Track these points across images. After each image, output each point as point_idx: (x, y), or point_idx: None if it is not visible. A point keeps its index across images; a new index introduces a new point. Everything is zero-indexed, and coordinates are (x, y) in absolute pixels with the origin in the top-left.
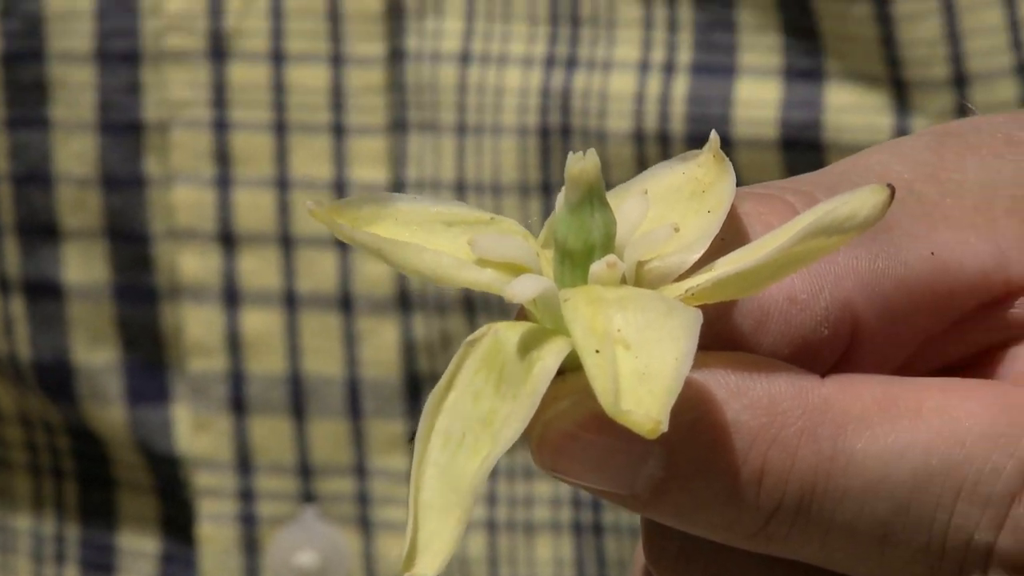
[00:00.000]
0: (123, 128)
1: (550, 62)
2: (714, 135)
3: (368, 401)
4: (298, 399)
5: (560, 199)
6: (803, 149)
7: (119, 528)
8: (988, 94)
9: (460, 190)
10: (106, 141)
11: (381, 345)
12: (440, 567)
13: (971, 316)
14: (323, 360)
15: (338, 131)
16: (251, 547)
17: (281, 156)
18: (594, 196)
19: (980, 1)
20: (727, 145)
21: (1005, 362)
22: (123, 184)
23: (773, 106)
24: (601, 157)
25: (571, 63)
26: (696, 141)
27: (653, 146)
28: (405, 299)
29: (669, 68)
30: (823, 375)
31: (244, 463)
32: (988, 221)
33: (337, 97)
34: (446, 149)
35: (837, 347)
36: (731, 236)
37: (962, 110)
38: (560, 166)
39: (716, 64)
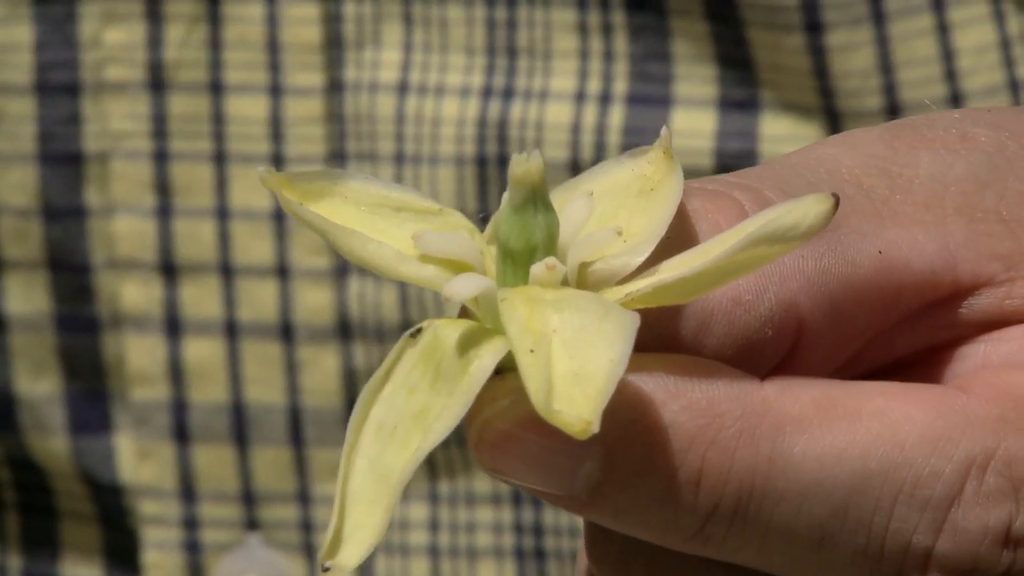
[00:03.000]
0: (63, 159)
1: (487, 92)
2: (665, 131)
3: (310, 429)
4: (241, 427)
5: (505, 198)
6: None
7: (63, 558)
8: None
9: None
10: (46, 172)
11: (322, 374)
12: (363, 557)
13: (918, 314)
14: (265, 389)
15: (277, 161)
16: (196, 574)
17: (221, 186)
18: (537, 197)
19: (913, 32)
20: None
21: (952, 362)
22: (64, 215)
23: (708, 136)
24: None
25: (508, 93)
26: None
27: None
28: (345, 328)
29: (605, 98)
30: (767, 374)
31: (188, 491)
32: (937, 219)
33: (276, 127)
34: (384, 178)
35: (781, 347)
36: (677, 235)
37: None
38: (497, 196)
39: (651, 94)
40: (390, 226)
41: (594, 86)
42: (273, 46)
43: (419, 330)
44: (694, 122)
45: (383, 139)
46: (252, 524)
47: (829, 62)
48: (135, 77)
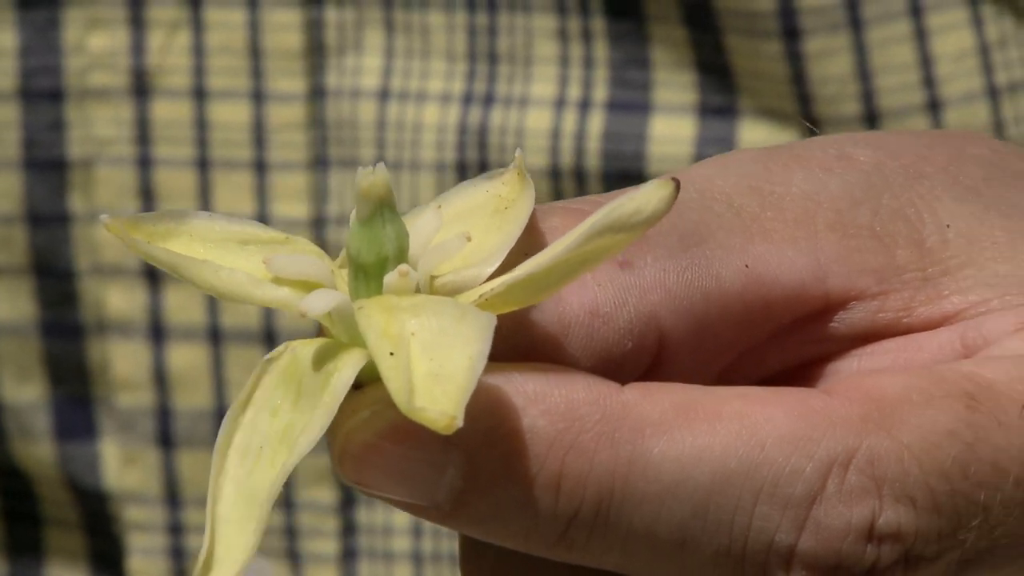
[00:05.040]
0: (48, 165)
1: (468, 99)
2: (519, 154)
3: None
4: None
5: (352, 214)
6: None
7: (48, 564)
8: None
9: None
10: (31, 178)
11: None
12: None
13: (791, 329)
14: None
15: (260, 167)
16: None
17: (204, 192)
18: (384, 209)
19: (891, 38)
20: (642, 180)
21: (826, 377)
22: (48, 221)
23: (687, 142)
24: None
25: (488, 100)
26: (611, 177)
27: (569, 182)
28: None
29: (585, 105)
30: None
31: (173, 497)
32: (808, 234)
33: (259, 133)
34: None
35: (642, 359)
36: (533, 251)
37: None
38: None
39: (631, 101)
40: (238, 258)
41: (574, 92)
42: (255, 52)
43: (278, 353)
44: (673, 128)
45: (364, 145)
46: None
47: (807, 68)
48: (119, 83)
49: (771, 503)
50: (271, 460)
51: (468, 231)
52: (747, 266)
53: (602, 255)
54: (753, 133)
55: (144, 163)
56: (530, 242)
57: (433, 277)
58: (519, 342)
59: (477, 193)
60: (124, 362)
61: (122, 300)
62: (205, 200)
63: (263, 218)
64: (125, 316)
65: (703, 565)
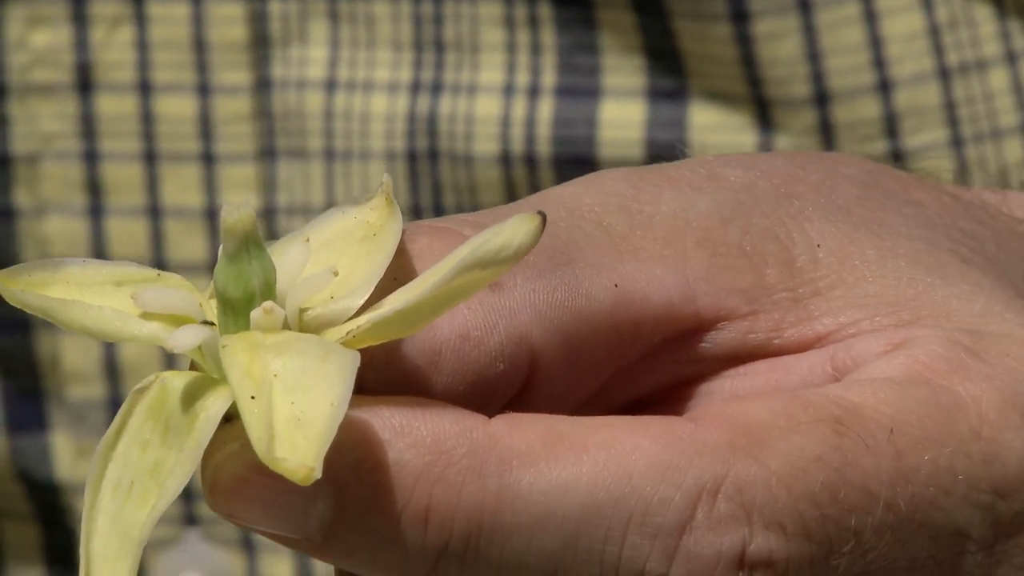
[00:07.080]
0: None
1: (416, 87)
2: (386, 178)
3: None
4: None
5: (220, 250)
6: None
7: (2, 557)
8: (850, 112)
9: None
10: None
11: None
12: None
13: (661, 349)
14: None
15: (208, 159)
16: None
17: (152, 185)
18: (251, 244)
19: (841, 20)
20: (593, 165)
21: (698, 397)
22: None
23: (638, 126)
24: (469, 180)
25: (436, 88)
26: (562, 163)
27: (520, 168)
28: None
29: (534, 91)
30: (503, 408)
31: None
32: (677, 253)
33: (205, 126)
34: (315, 175)
35: (515, 381)
36: (403, 275)
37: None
38: (429, 190)
39: (580, 86)
40: (114, 300)
41: (523, 79)
42: (200, 45)
43: (147, 383)
44: (623, 113)
45: (312, 136)
46: (191, 520)
47: (756, 51)
48: (62, 79)
49: (641, 533)
50: (142, 497)
51: (336, 263)
52: (616, 285)
53: (471, 289)
54: (703, 116)
55: (90, 157)
56: (399, 266)
57: (303, 310)
58: (392, 372)
59: (345, 220)
60: (75, 355)
61: None
62: (153, 193)
63: (212, 210)
64: None
65: None
